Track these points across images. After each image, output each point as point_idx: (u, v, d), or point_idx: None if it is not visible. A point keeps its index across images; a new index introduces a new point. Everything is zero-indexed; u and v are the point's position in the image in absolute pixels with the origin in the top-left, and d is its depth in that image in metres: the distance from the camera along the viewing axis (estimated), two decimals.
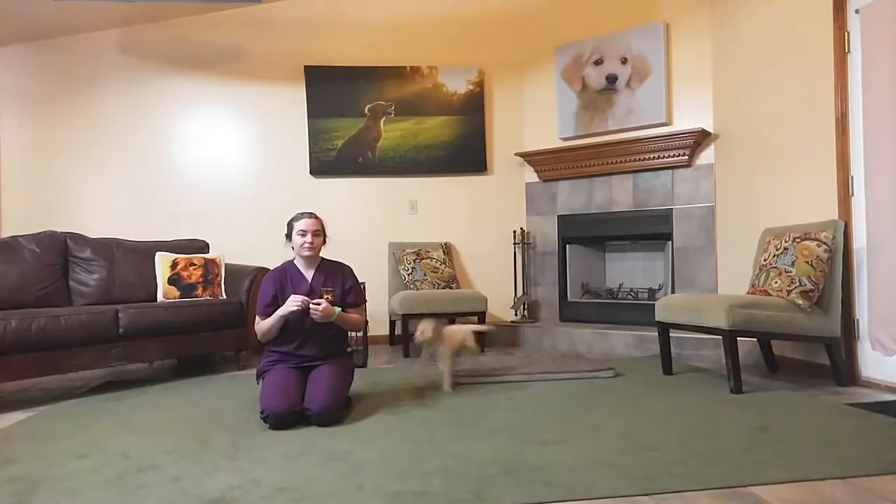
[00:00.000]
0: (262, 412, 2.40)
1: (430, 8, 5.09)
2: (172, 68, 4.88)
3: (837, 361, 3.02)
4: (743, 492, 1.69)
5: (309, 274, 2.77)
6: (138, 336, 3.32)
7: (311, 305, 2.55)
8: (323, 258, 2.82)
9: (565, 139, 4.85)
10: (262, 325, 2.66)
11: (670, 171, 4.40)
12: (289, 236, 2.76)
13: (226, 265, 4.04)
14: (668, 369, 3.37)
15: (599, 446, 2.11)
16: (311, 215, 2.75)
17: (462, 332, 3.18)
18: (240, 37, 4.95)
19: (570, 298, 4.90)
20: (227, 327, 3.73)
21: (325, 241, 2.78)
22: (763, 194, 3.73)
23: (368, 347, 4.15)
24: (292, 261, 2.81)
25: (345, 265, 2.87)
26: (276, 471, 1.91)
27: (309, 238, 2.68)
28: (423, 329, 2.98)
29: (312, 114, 4.94)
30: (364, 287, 3.50)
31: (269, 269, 2.94)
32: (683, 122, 4.34)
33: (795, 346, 3.44)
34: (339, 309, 2.66)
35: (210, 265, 3.94)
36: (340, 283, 2.78)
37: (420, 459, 1.99)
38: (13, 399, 3.11)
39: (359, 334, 3.93)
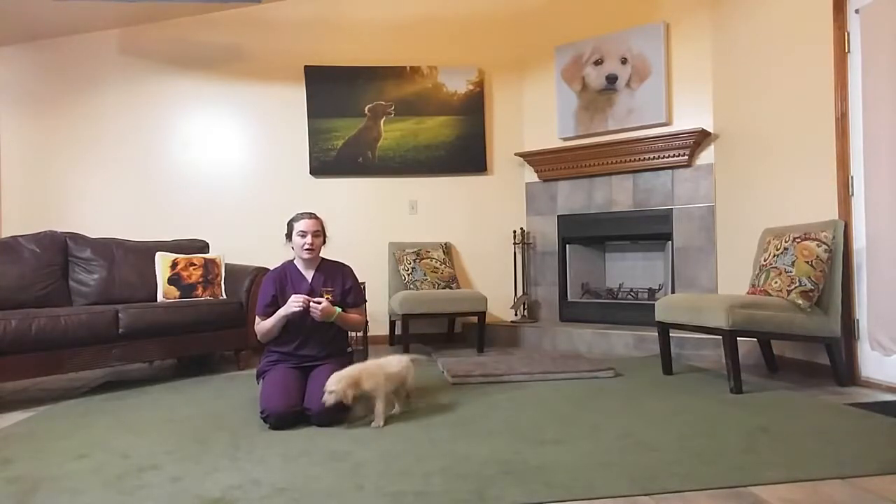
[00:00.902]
0: (262, 412, 2.40)
1: (430, 8, 5.09)
2: (172, 68, 4.88)
3: (837, 361, 3.02)
4: (743, 492, 1.69)
5: (309, 274, 2.77)
6: (138, 336, 3.32)
7: (310, 304, 2.55)
8: (323, 258, 2.82)
9: (565, 139, 4.85)
10: (263, 325, 2.66)
11: (670, 171, 4.40)
12: (289, 236, 2.76)
13: (226, 265, 4.04)
14: (668, 369, 3.37)
15: (599, 446, 2.10)
16: (311, 216, 2.75)
17: (408, 368, 2.57)
18: (240, 37, 4.95)
19: (570, 298, 4.90)
20: (227, 327, 3.73)
21: (325, 242, 2.78)
22: (763, 194, 3.73)
23: (368, 347, 4.15)
24: (292, 261, 2.81)
25: (345, 265, 2.87)
26: (276, 471, 1.91)
27: (309, 239, 2.68)
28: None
29: (312, 114, 4.94)
30: (364, 287, 3.51)
31: (269, 269, 2.94)
32: (683, 122, 4.34)
33: (795, 346, 3.44)
34: (339, 309, 2.66)
35: (210, 265, 3.94)
36: (340, 283, 2.78)
37: (420, 459, 1.99)
38: (13, 399, 3.11)
39: (359, 334, 3.93)
